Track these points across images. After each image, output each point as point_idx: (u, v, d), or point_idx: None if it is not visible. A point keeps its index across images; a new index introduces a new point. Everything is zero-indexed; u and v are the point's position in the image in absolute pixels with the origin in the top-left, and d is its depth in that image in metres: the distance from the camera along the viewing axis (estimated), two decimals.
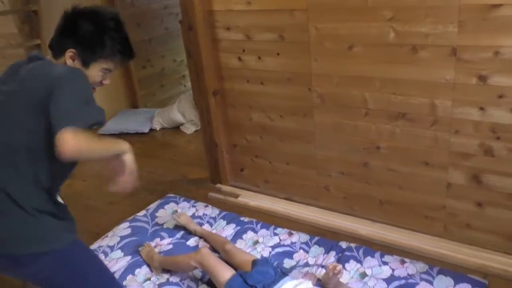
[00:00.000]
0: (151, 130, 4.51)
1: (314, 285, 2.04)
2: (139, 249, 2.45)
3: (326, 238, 2.50)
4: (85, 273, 1.58)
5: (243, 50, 2.74)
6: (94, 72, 1.55)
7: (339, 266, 1.94)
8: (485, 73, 2.02)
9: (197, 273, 2.25)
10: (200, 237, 2.55)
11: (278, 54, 2.61)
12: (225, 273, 2.03)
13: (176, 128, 4.50)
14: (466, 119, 2.15)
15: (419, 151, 2.34)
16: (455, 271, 2.16)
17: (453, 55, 2.06)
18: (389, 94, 2.31)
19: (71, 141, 1.27)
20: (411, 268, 2.19)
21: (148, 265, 2.35)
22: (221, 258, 2.25)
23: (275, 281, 1.96)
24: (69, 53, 1.52)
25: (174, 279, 2.24)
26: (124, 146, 1.51)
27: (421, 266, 2.19)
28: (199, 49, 2.83)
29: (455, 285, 2.05)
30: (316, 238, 2.48)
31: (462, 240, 2.37)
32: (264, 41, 2.63)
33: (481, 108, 2.09)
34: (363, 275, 2.18)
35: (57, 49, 1.55)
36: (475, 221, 2.32)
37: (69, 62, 1.52)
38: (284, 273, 2.05)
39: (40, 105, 1.38)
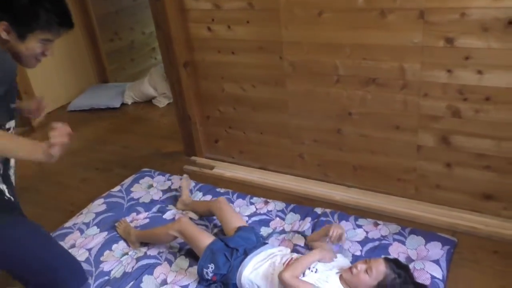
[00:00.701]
0: (123, 104, 4.44)
1: (292, 251, 2.08)
2: (115, 224, 2.44)
3: (302, 205, 2.54)
4: (20, 251, 1.57)
5: (213, 19, 2.69)
6: (33, 43, 1.53)
7: (345, 236, 1.94)
8: (452, 35, 2.04)
9: (175, 244, 2.26)
10: (185, 209, 2.55)
11: (248, 22, 2.57)
12: (205, 239, 2.05)
13: (148, 101, 4.43)
14: (434, 82, 2.17)
15: (390, 115, 2.37)
16: (426, 230, 2.23)
17: (420, 18, 2.07)
18: (360, 59, 2.31)
19: None
20: (384, 229, 2.25)
21: (125, 240, 2.35)
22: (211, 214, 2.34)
23: (256, 247, 2.00)
24: (2, 25, 1.48)
25: (152, 252, 2.25)
26: (38, 155, 1.44)
27: (394, 228, 2.25)
28: (168, 20, 2.76)
29: (426, 243, 2.12)
30: (292, 206, 2.51)
31: (433, 200, 2.45)
32: (233, 10, 2.58)
33: (449, 70, 2.12)
34: None
35: None
36: (444, 181, 2.39)
37: (3, 34, 1.49)
38: (265, 243, 2.09)
39: None
